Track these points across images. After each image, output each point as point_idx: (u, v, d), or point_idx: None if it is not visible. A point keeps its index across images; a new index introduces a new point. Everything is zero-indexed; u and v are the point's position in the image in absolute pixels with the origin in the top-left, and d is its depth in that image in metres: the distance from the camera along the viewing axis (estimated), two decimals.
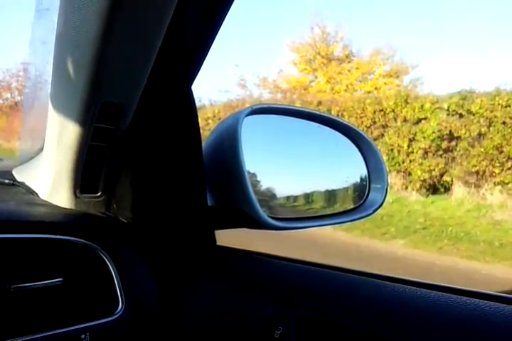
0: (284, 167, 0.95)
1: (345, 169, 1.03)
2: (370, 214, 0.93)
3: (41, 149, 0.89)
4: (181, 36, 0.74)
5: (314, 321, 0.62)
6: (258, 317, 0.66)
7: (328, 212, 0.99)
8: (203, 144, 0.85)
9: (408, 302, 0.58)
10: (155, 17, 0.64)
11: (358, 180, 0.99)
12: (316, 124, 0.94)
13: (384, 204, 0.95)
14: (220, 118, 9.18)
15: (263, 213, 0.78)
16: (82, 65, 0.65)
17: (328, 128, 0.95)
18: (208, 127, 9.23)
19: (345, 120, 1.02)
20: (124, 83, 0.71)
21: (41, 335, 0.63)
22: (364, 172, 0.97)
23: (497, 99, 7.09)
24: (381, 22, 17.92)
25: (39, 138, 0.91)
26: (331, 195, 1.02)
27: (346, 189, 1.02)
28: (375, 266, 4.59)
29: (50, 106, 0.76)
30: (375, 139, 8.15)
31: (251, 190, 0.78)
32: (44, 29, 0.78)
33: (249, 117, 0.83)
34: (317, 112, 0.98)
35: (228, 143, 0.79)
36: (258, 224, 0.79)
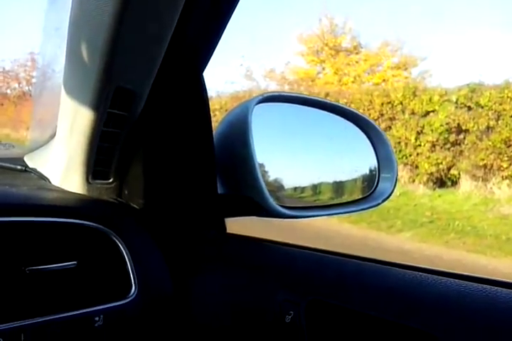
0: (292, 156, 0.95)
1: (354, 158, 1.03)
2: (379, 204, 0.93)
3: (53, 136, 0.89)
4: (194, 22, 0.74)
5: (325, 306, 0.62)
6: (269, 302, 0.67)
7: (337, 201, 0.99)
8: (214, 132, 0.85)
9: (418, 288, 0.58)
10: (169, 2, 0.64)
11: (368, 170, 0.99)
12: (327, 113, 0.94)
13: (393, 194, 0.95)
14: (226, 110, 9.14)
15: (273, 201, 0.78)
16: (95, 50, 0.65)
17: (338, 116, 0.95)
18: (214, 118, 9.18)
19: (356, 109, 1.02)
20: (137, 68, 0.71)
21: (56, 317, 0.64)
22: (373, 161, 0.96)
23: (506, 91, 7.03)
24: (390, 13, 17.77)
25: (49, 128, 0.92)
26: (339, 186, 1.01)
27: (355, 179, 1.02)
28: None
29: (63, 91, 0.77)
30: None
31: (261, 178, 0.78)
32: (57, 15, 0.79)
33: (260, 105, 0.83)
34: (327, 101, 0.98)
35: (239, 130, 0.80)
36: (268, 212, 0.79)
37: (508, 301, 0.52)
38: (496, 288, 0.54)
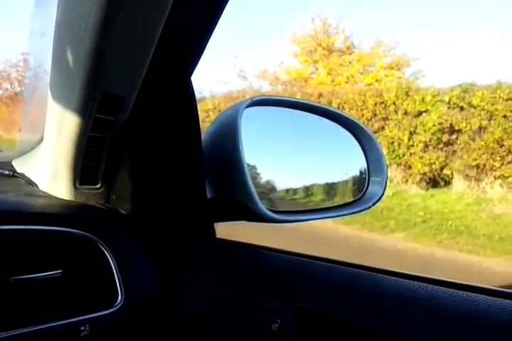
0: (283, 159, 0.95)
1: (345, 162, 1.03)
2: (369, 207, 0.93)
3: (41, 140, 0.88)
4: (181, 27, 0.73)
5: (313, 314, 0.62)
6: (256, 309, 0.67)
7: (328, 205, 0.99)
8: (203, 136, 0.85)
9: (406, 296, 0.58)
10: (154, 7, 0.64)
11: (358, 173, 0.99)
12: (317, 116, 0.94)
13: (383, 198, 0.95)
14: (220, 110, 9.14)
15: (262, 206, 0.78)
16: (81, 55, 0.65)
17: (328, 120, 0.95)
18: (208, 119, 9.21)
19: (346, 112, 1.02)
20: (123, 73, 0.70)
21: (41, 327, 0.63)
22: (364, 165, 0.96)
23: (498, 92, 7.07)
24: (382, 13, 17.84)
25: (39, 129, 0.91)
26: (330, 188, 1.01)
27: (346, 182, 1.02)
28: (374, 259, 4.61)
29: (50, 96, 0.76)
30: (375, 132, 8.14)
31: (250, 182, 0.78)
32: (44, 19, 0.78)
33: (249, 109, 0.83)
34: (317, 104, 0.97)
35: (228, 134, 0.79)
36: (257, 216, 0.78)
37: (500, 310, 0.51)
38: (488, 297, 0.53)
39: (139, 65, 0.70)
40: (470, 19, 17.22)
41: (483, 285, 0.57)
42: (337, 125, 0.95)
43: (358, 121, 0.97)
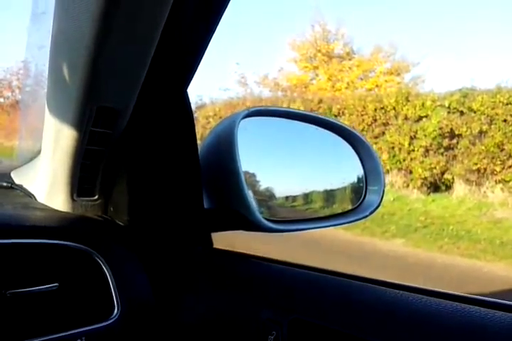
0: (282, 168, 0.95)
1: (342, 171, 1.03)
2: (366, 216, 0.94)
3: (39, 151, 0.89)
4: (176, 39, 0.74)
5: (308, 325, 0.62)
6: (252, 320, 0.67)
7: (327, 212, 0.99)
8: (200, 146, 0.85)
9: (401, 307, 0.58)
10: (149, 21, 0.64)
11: (356, 182, 0.99)
12: (314, 126, 0.94)
13: (381, 206, 0.95)
14: (220, 117, 9.17)
15: (259, 215, 0.79)
16: (76, 70, 0.65)
17: (325, 130, 0.95)
18: (209, 125, 9.25)
19: (343, 122, 1.02)
20: (119, 87, 0.71)
21: (37, 340, 0.63)
22: (361, 174, 0.97)
23: (498, 96, 7.07)
24: (382, 20, 17.90)
25: (38, 138, 0.91)
26: (329, 196, 1.02)
27: (344, 189, 1.03)
28: (374, 264, 4.60)
29: (47, 110, 0.76)
30: (376, 137, 8.15)
31: (248, 192, 0.78)
32: (40, 33, 0.78)
33: (246, 119, 0.83)
34: (314, 114, 0.98)
35: (225, 145, 0.80)
36: (255, 226, 0.79)
37: (495, 322, 0.51)
38: (482, 308, 0.53)
39: (134, 78, 0.71)
40: (470, 20, 17.26)
41: (477, 297, 0.57)
42: (334, 135, 0.96)
43: (355, 131, 0.97)
